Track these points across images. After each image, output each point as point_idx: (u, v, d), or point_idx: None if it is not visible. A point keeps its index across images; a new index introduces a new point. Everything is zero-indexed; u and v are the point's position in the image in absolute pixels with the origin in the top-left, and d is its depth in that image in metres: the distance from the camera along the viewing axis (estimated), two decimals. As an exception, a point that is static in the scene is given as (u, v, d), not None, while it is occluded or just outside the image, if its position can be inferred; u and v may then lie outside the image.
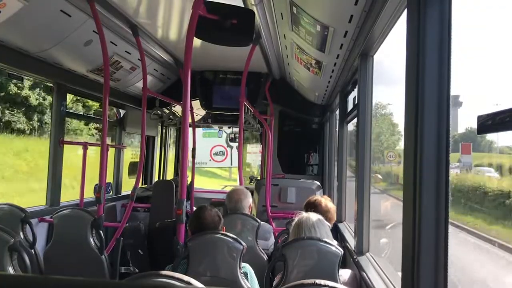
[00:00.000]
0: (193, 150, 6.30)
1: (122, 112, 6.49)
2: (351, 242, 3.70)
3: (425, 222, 1.62)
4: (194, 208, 5.32)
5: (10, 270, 2.30)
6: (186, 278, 1.64)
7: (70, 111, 11.58)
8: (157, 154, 7.82)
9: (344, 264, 3.50)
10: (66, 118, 5.03)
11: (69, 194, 5.41)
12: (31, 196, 12.58)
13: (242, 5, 3.16)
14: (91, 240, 3.66)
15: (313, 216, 2.81)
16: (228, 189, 6.33)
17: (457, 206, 4.34)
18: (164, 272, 1.70)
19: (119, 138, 6.45)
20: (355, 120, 3.80)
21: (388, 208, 7.42)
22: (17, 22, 3.34)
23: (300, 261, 2.55)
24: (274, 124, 6.72)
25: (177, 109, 6.89)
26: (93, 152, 6.03)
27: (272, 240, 4.04)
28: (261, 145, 8.49)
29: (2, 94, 17.71)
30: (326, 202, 3.55)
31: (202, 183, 11.20)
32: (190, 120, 5.76)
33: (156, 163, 7.82)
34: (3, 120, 17.75)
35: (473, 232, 4.12)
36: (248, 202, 3.73)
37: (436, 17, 1.64)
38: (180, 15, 4.10)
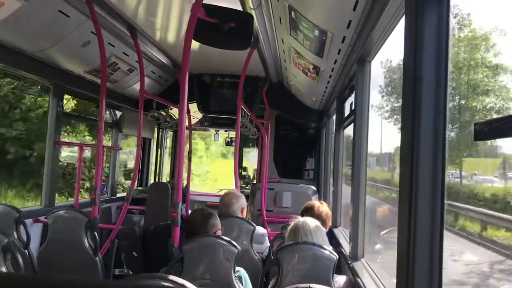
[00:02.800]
0: (189, 153, 6.30)
1: (118, 113, 6.48)
2: (346, 247, 3.70)
3: (420, 228, 1.62)
4: (190, 211, 5.33)
5: (3, 271, 2.28)
6: (180, 280, 1.63)
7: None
8: (153, 156, 7.81)
9: (339, 270, 3.50)
10: None
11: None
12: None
13: (241, 8, 3.17)
14: (86, 241, 3.63)
15: (310, 221, 2.80)
16: (224, 192, 6.33)
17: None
18: (158, 275, 1.69)
19: (115, 139, 6.44)
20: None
21: None
22: (15, 22, 3.33)
23: (294, 265, 2.54)
24: (271, 128, 6.73)
25: (174, 111, 6.89)
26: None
27: (266, 243, 4.02)
28: (257, 149, 8.49)
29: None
30: (320, 206, 3.54)
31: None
32: (186, 123, 5.79)
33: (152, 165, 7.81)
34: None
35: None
36: (241, 205, 3.70)
37: (434, 24, 1.64)
38: (179, 18, 4.11)
